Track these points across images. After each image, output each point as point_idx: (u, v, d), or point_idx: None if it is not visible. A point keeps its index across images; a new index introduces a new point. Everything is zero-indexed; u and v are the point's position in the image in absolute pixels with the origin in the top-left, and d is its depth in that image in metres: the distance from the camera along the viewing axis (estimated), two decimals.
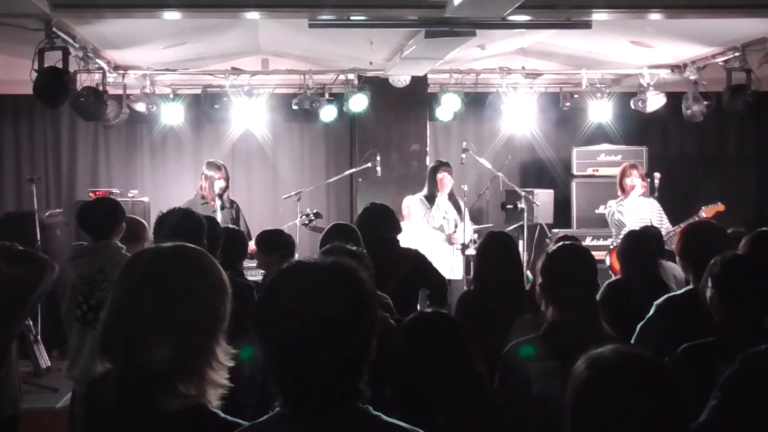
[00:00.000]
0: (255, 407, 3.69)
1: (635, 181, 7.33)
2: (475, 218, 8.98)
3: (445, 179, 7.58)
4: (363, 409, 1.73)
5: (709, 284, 3.02)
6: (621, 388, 1.83)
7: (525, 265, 8.10)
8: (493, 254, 4.35)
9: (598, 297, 4.65)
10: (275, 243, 5.17)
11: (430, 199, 7.63)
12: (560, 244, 3.30)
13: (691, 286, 3.71)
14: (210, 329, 1.90)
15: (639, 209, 7.29)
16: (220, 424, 1.87)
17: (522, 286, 4.49)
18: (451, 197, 7.71)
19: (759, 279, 2.97)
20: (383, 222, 4.95)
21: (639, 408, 1.81)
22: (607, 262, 7.23)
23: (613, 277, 5.92)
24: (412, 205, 7.72)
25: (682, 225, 5.83)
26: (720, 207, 7.52)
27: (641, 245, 4.62)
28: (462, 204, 7.73)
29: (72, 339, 4.62)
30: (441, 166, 7.74)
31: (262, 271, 5.81)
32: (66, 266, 4.65)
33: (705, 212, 7.42)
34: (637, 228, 5.75)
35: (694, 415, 2.41)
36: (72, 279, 4.56)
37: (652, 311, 3.71)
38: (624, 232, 6.37)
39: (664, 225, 7.13)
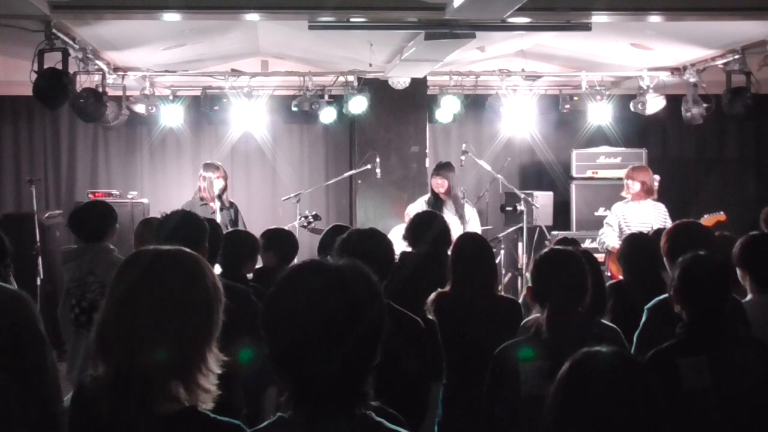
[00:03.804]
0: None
1: (633, 186, 7.20)
2: None
3: (434, 184, 7.71)
4: (366, 414, 1.71)
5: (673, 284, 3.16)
6: (601, 389, 1.86)
7: (524, 267, 8.13)
8: (467, 256, 4.39)
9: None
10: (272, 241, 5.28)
11: (430, 202, 7.65)
12: (548, 248, 3.36)
13: None
14: (204, 334, 1.90)
15: (642, 213, 7.17)
16: (212, 425, 1.87)
17: (493, 287, 4.54)
18: (455, 199, 7.70)
19: (715, 279, 3.07)
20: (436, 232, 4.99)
21: (619, 408, 1.84)
22: (607, 270, 7.16)
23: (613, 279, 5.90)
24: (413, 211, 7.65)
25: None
26: (721, 216, 7.43)
27: (642, 248, 4.61)
28: (468, 205, 7.73)
29: (69, 342, 4.63)
30: (434, 170, 7.87)
31: None
32: (60, 270, 4.67)
33: (705, 221, 7.31)
34: (636, 231, 5.71)
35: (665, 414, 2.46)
36: (65, 282, 4.56)
37: (645, 316, 3.76)
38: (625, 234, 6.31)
39: None
